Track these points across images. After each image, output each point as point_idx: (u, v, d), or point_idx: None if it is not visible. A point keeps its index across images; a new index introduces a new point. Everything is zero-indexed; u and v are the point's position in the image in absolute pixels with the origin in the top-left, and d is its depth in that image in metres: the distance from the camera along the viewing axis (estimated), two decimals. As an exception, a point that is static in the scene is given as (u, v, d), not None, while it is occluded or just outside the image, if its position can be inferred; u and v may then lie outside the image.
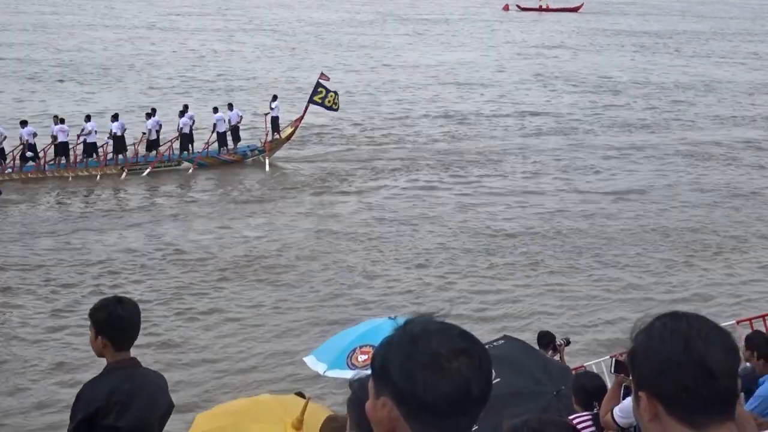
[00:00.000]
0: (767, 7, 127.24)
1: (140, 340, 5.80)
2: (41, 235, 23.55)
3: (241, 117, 33.16)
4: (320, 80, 31.40)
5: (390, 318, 10.26)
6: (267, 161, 31.67)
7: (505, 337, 10.58)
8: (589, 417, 7.42)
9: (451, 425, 2.30)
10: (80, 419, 5.52)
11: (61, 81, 48.11)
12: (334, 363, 10.13)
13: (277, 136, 33.23)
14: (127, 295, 5.97)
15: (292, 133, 33.18)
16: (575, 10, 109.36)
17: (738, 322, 12.96)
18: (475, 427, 2.40)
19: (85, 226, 24.32)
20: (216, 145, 32.20)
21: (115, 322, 5.53)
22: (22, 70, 50.80)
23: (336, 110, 32.27)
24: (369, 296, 19.88)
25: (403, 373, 2.28)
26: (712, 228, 25.13)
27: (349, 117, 39.39)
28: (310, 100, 31.47)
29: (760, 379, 9.09)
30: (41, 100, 42.43)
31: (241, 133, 33.23)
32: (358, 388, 3.04)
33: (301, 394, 10.45)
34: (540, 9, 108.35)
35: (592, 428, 7.31)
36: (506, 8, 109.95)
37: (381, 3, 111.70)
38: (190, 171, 30.98)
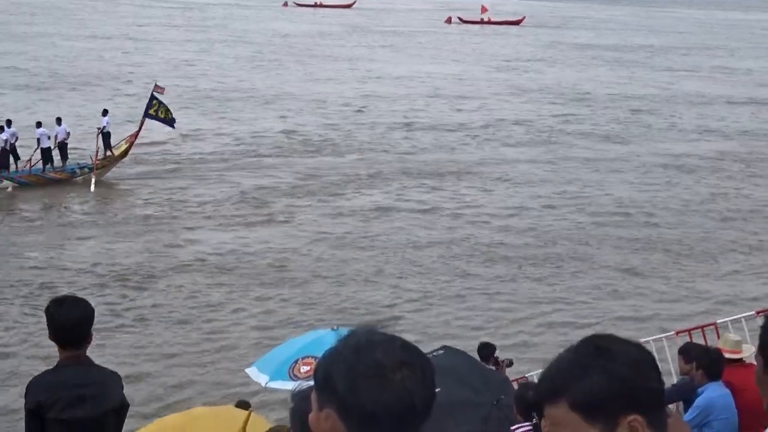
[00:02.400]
0: (714, 22, 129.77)
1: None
2: None
3: (69, 133, 30.71)
4: (155, 92, 30.03)
5: (333, 329, 10.23)
6: (93, 180, 29.57)
7: (444, 347, 10.61)
8: (530, 427, 7.47)
9: None
10: (26, 411, 5.68)
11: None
12: (276, 374, 10.08)
13: (109, 153, 31.11)
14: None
15: (127, 150, 31.09)
16: (517, 23, 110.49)
17: (677, 333, 13.11)
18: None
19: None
20: (41, 162, 30.07)
21: (54, 322, 5.65)
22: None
23: (172, 124, 30.63)
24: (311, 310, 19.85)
25: (347, 384, 2.26)
26: (659, 240, 25.50)
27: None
28: (146, 114, 30.11)
29: (699, 389, 9.20)
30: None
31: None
32: (300, 399, 3.02)
33: (245, 403, 10.41)
34: (482, 22, 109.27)
35: (534, 438, 7.36)
36: (449, 21, 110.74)
37: (341, 16, 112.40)
38: (9, 189, 28.99)
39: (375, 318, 17.85)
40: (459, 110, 46.78)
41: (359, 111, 45.40)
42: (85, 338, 5.75)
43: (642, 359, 2.30)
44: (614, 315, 19.92)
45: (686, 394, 9.24)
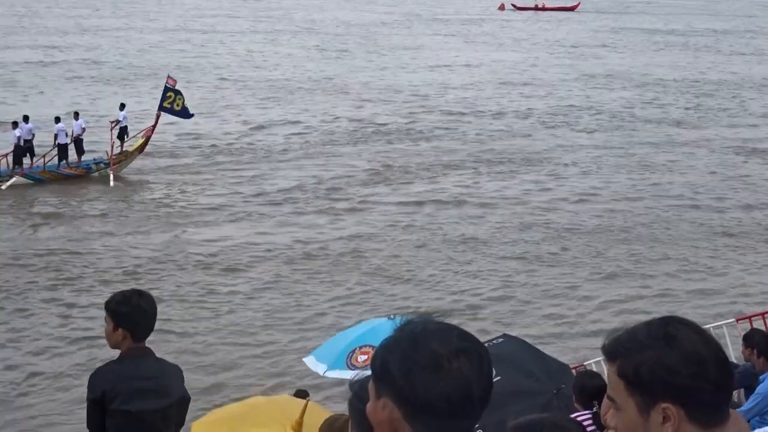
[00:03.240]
0: None
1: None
2: None
3: (84, 129, 30.11)
4: (167, 84, 29.16)
5: (389, 318, 10.23)
6: (112, 176, 28.95)
7: (504, 335, 10.57)
8: (590, 416, 7.41)
9: (452, 426, 2.29)
10: (90, 401, 5.72)
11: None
12: (334, 363, 10.11)
13: (127, 149, 30.55)
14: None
15: (144, 144, 30.36)
16: (572, 9, 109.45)
17: (738, 320, 12.95)
18: (477, 427, 2.39)
19: None
20: (57, 158, 29.29)
21: (137, 314, 5.71)
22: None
23: (189, 115, 29.67)
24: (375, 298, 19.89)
25: (404, 373, 2.27)
26: (721, 224, 25.26)
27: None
28: (160, 107, 29.21)
29: (761, 377, 9.09)
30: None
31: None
32: (358, 388, 3.02)
33: (303, 392, 10.47)
34: (536, 8, 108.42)
35: (593, 427, 7.30)
36: (502, 7, 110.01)
37: (400, 4, 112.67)
38: (3, 188, 27.83)
39: (434, 308, 17.85)
40: (528, 97, 46.63)
41: (429, 99, 45.38)
42: (151, 331, 5.83)
43: (704, 355, 2.32)
44: (679, 299, 19.76)
45: (747, 380, 9.14)
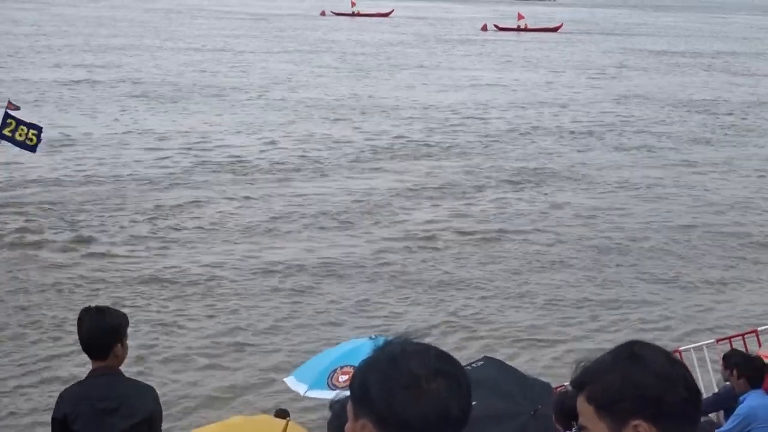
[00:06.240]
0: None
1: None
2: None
3: None
4: (8, 110, 25.47)
5: (371, 338, 10.25)
6: None
7: (485, 357, 10.60)
8: (569, 436, 7.43)
9: None
10: (53, 421, 5.74)
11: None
12: (315, 383, 10.11)
13: None
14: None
15: None
16: (555, 30, 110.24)
17: (718, 341, 13.00)
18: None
19: None
20: None
21: (81, 333, 5.64)
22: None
23: (33, 149, 25.82)
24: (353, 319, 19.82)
25: (383, 394, 2.28)
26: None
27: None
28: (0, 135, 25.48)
29: (740, 398, 9.13)
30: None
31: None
32: (338, 409, 3.04)
33: (283, 411, 10.45)
34: (518, 29, 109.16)
35: (573, 448, 7.32)
36: (484, 28, 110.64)
37: (405, 25, 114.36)
38: None
39: (411, 328, 17.80)
40: (556, 115, 46.87)
41: (459, 116, 45.60)
42: (110, 349, 5.70)
43: (670, 371, 2.37)
44: (675, 318, 19.80)
45: (726, 402, 9.19)
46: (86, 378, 5.73)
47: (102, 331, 5.62)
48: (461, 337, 18.52)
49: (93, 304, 6.20)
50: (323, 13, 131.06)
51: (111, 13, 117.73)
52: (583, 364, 2.52)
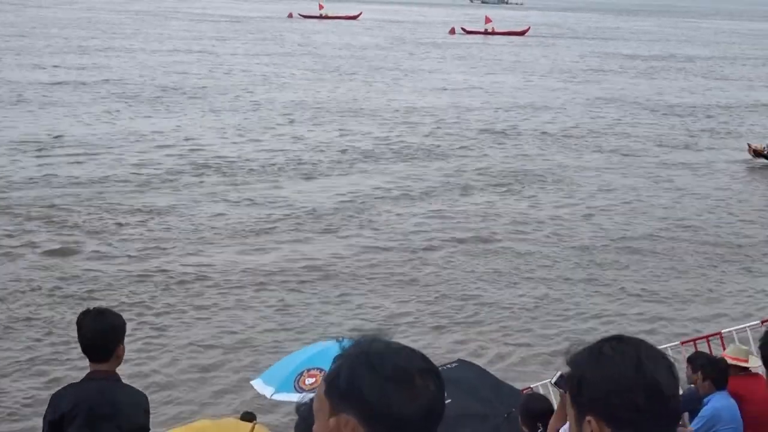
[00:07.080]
0: (747, 32, 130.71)
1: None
2: None
3: None
4: None
5: (337, 340, 10.19)
6: None
7: (459, 360, 10.66)
8: (535, 438, 7.46)
9: None
10: (47, 422, 5.61)
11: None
12: (281, 386, 10.07)
13: None
14: None
15: None
16: (522, 34, 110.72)
17: (682, 343, 13.08)
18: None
19: None
20: None
21: (83, 335, 5.58)
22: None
23: None
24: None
25: (375, 389, 2.26)
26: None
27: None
28: None
29: (705, 399, 9.20)
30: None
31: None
32: (305, 412, 3.02)
33: (250, 414, 10.40)
34: (486, 32, 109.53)
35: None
36: (452, 32, 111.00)
37: (380, 28, 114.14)
38: None
39: (385, 327, 17.85)
40: (536, 117, 47.28)
41: (440, 120, 45.71)
42: (111, 352, 5.66)
43: (627, 377, 2.41)
44: (617, 323, 19.88)
45: (691, 404, 9.24)
46: (83, 380, 5.64)
47: (104, 333, 5.57)
48: (434, 337, 18.57)
49: (91, 307, 6.12)
50: (290, 15, 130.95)
51: (87, 15, 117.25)
52: (574, 347, 2.60)
